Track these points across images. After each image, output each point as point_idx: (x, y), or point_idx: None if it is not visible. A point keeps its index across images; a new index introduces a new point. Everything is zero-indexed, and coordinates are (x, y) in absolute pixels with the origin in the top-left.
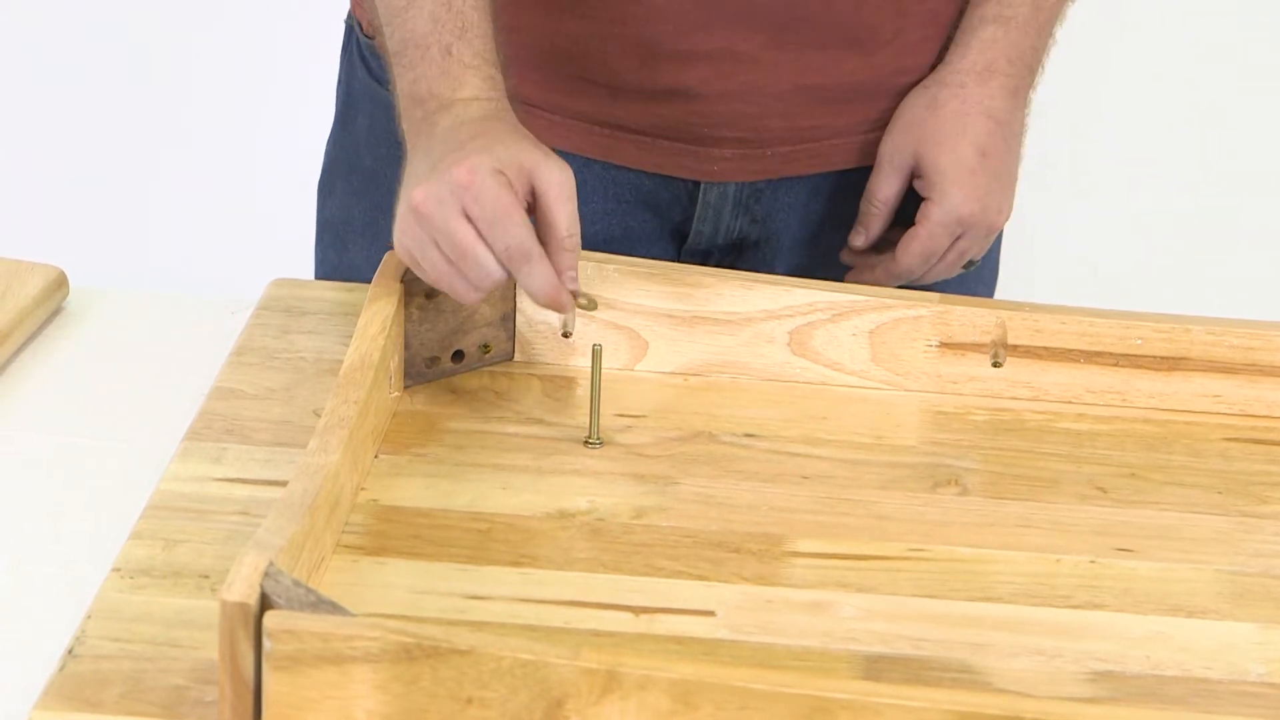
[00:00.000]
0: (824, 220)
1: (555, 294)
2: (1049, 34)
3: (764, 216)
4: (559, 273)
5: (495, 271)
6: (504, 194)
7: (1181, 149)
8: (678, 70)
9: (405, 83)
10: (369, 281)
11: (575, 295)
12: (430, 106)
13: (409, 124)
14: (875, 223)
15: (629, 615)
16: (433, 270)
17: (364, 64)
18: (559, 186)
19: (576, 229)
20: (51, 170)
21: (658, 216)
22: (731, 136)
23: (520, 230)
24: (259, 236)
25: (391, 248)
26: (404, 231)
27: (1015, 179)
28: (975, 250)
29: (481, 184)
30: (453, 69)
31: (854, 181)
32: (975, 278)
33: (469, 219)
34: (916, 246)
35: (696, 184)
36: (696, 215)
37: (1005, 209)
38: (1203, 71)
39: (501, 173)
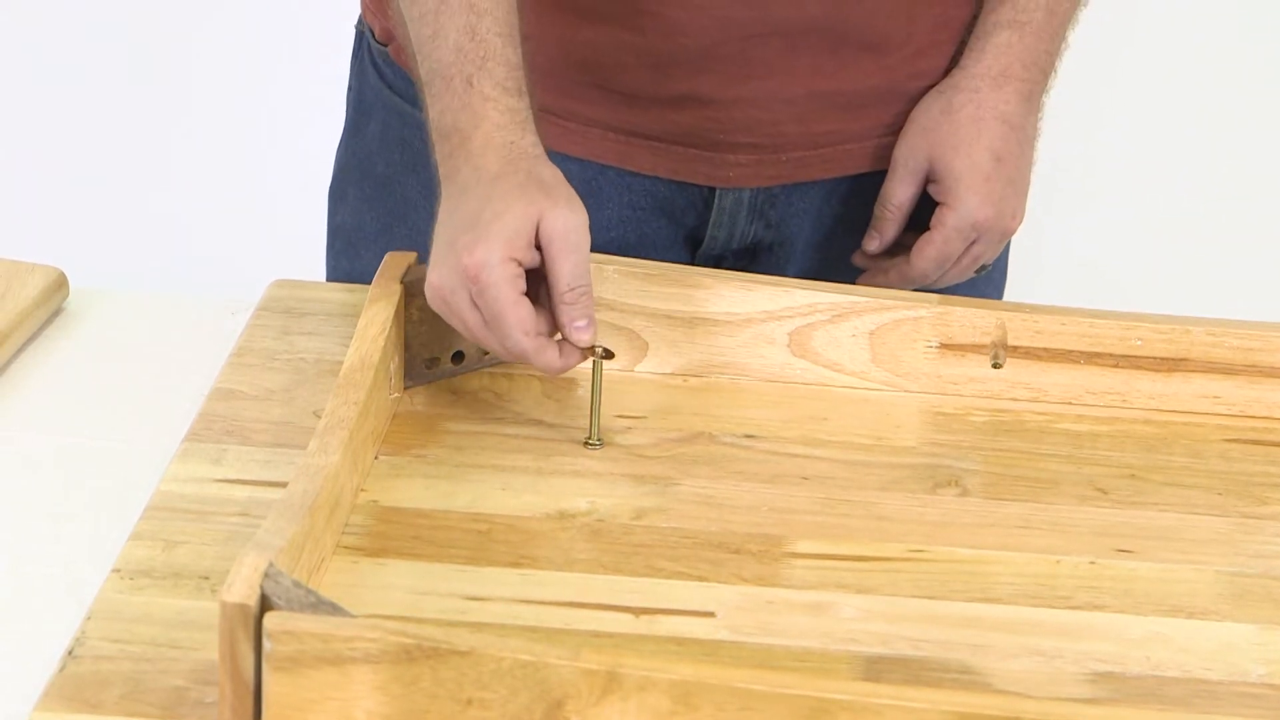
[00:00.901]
0: (838, 224)
1: (557, 373)
2: (1062, 38)
3: (778, 221)
4: (564, 325)
5: (505, 356)
6: (505, 291)
7: (1181, 150)
8: (692, 78)
9: (434, 113)
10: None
11: (590, 350)
12: (455, 142)
13: (440, 158)
14: (889, 227)
15: (629, 616)
16: (461, 333)
17: (375, 70)
18: (562, 239)
19: (580, 281)
20: (51, 170)
21: (673, 222)
22: (746, 142)
23: (514, 334)
24: (259, 237)
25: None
26: (430, 300)
27: (1028, 184)
28: (988, 255)
29: (486, 279)
30: (474, 102)
31: (868, 186)
32: (985, 280)
33: (478, 307)
34: (931, 251)
35: (711, 190)
36: (711, 221)
37: (1019, 213)
38: (1201, 73)
39: (509, 260)
